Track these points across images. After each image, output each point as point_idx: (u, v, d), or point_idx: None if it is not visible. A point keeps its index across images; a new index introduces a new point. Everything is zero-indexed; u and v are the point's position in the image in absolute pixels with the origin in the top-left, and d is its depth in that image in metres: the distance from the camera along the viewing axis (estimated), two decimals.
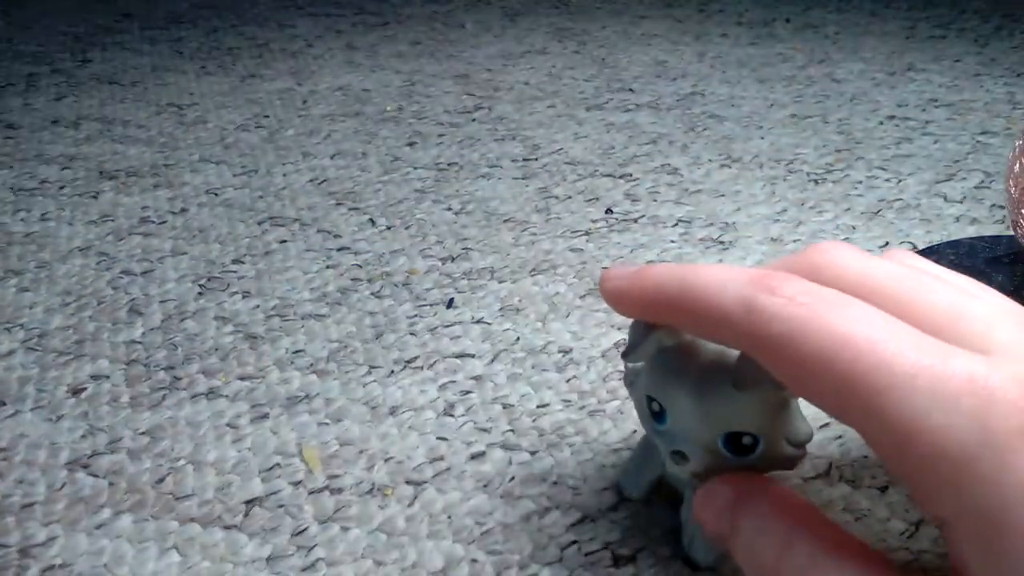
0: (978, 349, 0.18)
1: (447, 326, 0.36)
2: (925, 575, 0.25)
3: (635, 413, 0.31)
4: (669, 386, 0.23)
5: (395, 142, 0.53)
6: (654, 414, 0.24)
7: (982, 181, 0.48)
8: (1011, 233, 0.42)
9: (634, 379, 0.25)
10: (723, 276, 0.20)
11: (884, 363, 0.18)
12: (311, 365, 0.34)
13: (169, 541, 0.26)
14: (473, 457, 0.29)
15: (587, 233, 0.43)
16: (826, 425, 0.30)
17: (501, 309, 0.37)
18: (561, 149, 0.52)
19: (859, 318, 0.18)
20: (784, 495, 0.22)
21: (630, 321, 0.24)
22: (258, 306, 0.38)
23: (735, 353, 0.22)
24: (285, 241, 0.43)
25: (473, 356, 0.34)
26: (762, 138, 0.53)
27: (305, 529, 0.27)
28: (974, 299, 0.20)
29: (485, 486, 0.28)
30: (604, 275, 0.24)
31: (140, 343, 0.35)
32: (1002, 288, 0.33)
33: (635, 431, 0.30)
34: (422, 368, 0.34)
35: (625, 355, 0.24)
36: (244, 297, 0.38)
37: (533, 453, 0.30)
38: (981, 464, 0.16)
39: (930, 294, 0.20)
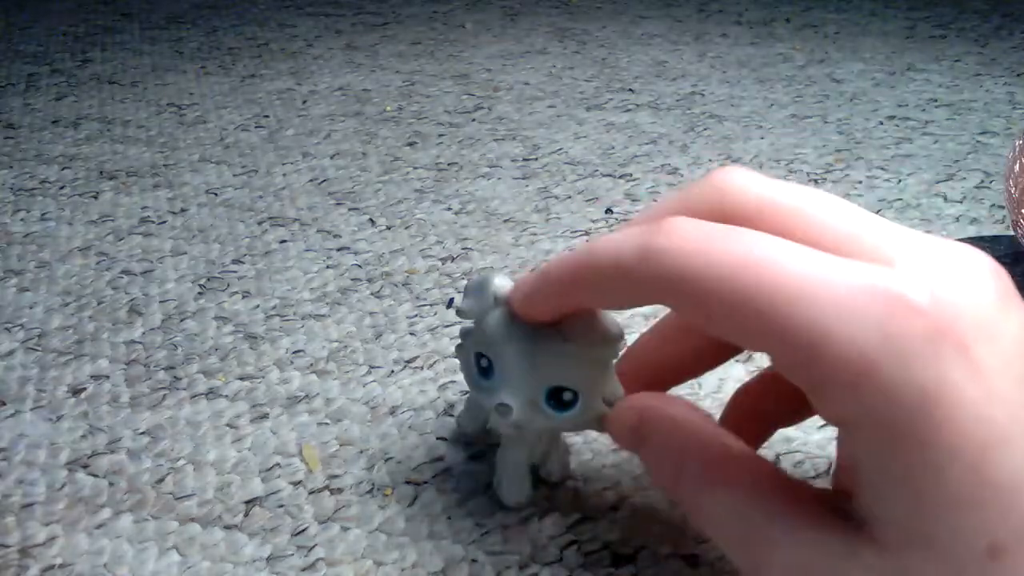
0: (879, 261, 0.18)
1: (447, 326, 0.36)
2: (812, 484, 0.25)
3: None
4: (500, 340, 0.24)
5: (395, 142, 0.53)
6: (482, 370, 0.25)
7: (982, 181, 0.48)
8: (1011, 233, 0.42)
9: (464, 339, 0.26)
10: (616, 238, 0.20)
11: (784, 279, 0.18)
12: (311, 365, 0.34)
13: (169, 541, 0.26)
14: (473, 457, 0.29)
15: (587, 233, 0.43)
16: (825, 426, 0.30)
17: None
18: (561, 149, 0.52)
19: (755, 242, 0.18)
20: (681, 413, 0.22)
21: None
22: (258, 306, 0.38)
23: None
24: (285, 241, 0.43)
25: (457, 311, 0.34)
26: (762, 138, 0.53)
27: (305, 529, 0.27)
28: (873, 218, 0.20)
29: (485, 486, 0.28)
30: (511, 295, 0.24)
31: (140, 343, 0.35)
32: None
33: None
34: (422, 368, 0.34)
35: (460, 312, 0.25)
36: (244, 297, 0.38)
37: None
38: (882, 370, 0.17)
39: (830, 212, 0.20)
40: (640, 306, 0.22)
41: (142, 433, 0.31)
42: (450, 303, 0.38)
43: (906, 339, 0.17)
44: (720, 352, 0.25)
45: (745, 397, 0.26)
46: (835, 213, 0.20)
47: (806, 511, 0.19)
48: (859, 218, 0.20)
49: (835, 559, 0.18)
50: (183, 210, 0.46)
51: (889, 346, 0.17)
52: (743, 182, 0.21)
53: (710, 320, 0.19)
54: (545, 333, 0.23)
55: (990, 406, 0.16)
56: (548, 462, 0.28)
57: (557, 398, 0.24)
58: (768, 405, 0.26)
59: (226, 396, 0.32)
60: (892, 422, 0.17)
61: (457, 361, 0.34)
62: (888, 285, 0.17)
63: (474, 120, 0.57)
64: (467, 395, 0.30)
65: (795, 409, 0.25)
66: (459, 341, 0.26)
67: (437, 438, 0.30)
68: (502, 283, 0.25)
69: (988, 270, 0.18)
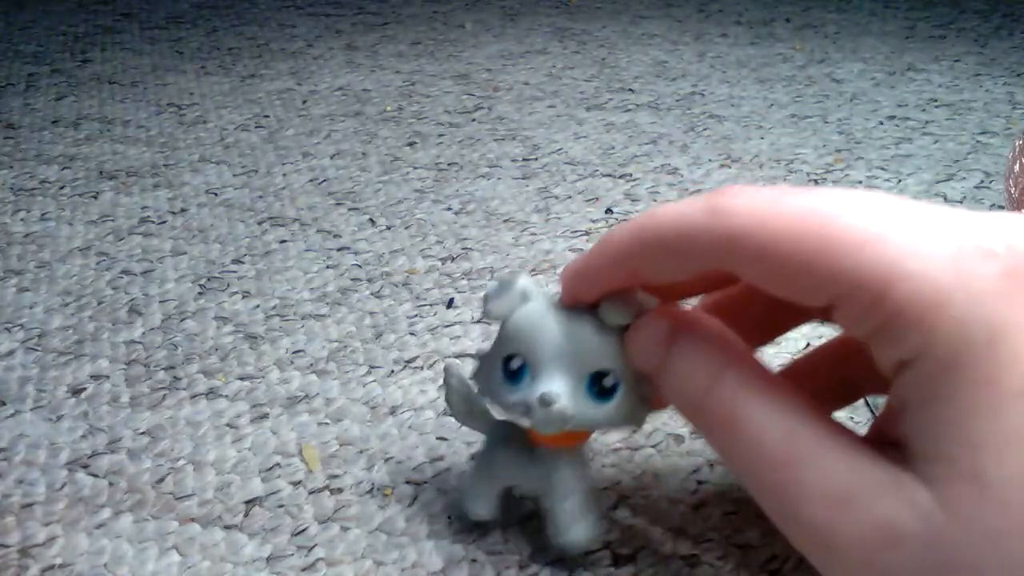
0: None
1: (447, 326, 0.36)
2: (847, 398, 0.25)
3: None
4: (536, 331, 0.23)
5: (395, 142, 0.53)
6: (511, 374, 0.23)
7: (982, 181, 0.48)
8: None
9: (448, 376, 0.25)
10: (677, 204, 0.20)
11: (857, 221, 0.18)
12: (311, 365, 0.34)
13: (169, 541, 0.26)
14: (473, 457, 0.29)
15: (587, 233, 0.43)
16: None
17: None
18: (561, 149, 0.52)
19: (821, 195, 0.19)
20: (717, 329, 0.22)
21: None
22: (258, 306, 0.38)
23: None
24: (285, 241, 0.43)
25: (473, 356, 0.34)
26: (762, 138, 0.53)
27: (305, 529, 0.27)
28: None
29: None
30: (561, 276, 0.23)
31: (140, 343, 0.35)
32: None
33: (633, 430, 0.30)
34: (422, 368, 0.34)
35: (489, 312, 0.24)
36: (244, 297, 0.38)
37: None
38: (954, 305, 0.17)
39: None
40: (700, 271, 0.21)
41: (142, 433, 0.31)
42: (450, 303, 0.38)
43: (979, 278, 0.17)
44: (775, 325, 0.25)
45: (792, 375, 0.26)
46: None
47: (851, 437, 0.19)
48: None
49: (878, 488, 0.18)
50: (183, 210, 0.46)
51: (962, 282, 0.17)
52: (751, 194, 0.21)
53: (776, 275, 0.19)
54: (583, 318, 0.23)
55: None
56: (569, 523, 0.24)
57: (599, 385, 0.23)
58: (818, 382, 0.25)
59: (226, 396, 0.32)
60: (957, 358, 0.17)
61: (458, 361, 0.34)
62: (960, 229, 0.17)
63: (474, 120, 0.57)
64: (469, 477, 0.27)
65: (843, 393, 0.25)
66: (466, 364, 0.25)
67: (437, 438, 0.30)
68: (528, 280, 0.24)
69: None
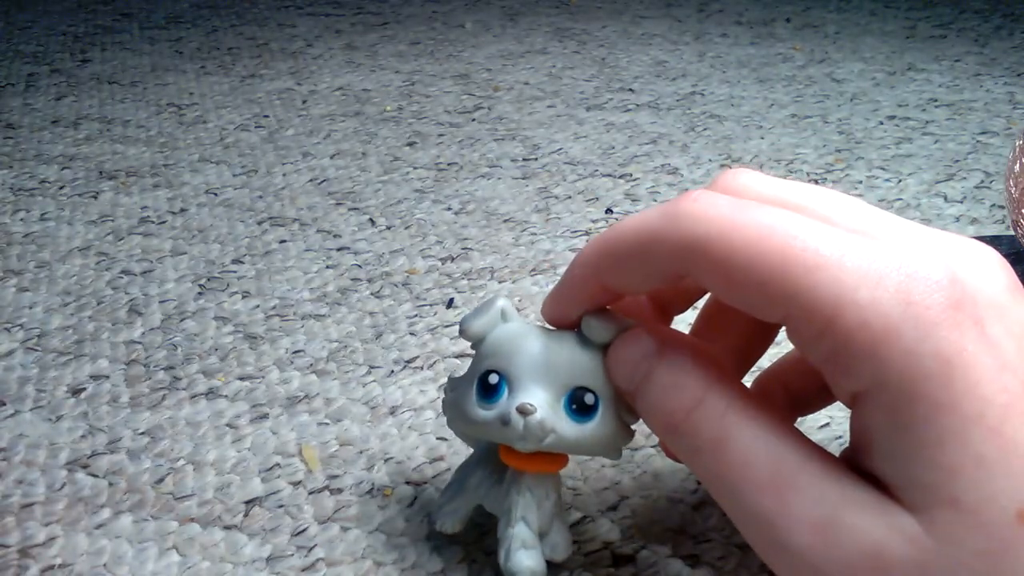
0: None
1: (447, 326, 0.36)
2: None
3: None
4: (515, 347, 0.23)
5: (395, 142, 0.53)
6: (487, 390, 0.23)
7: (982, 181, 0.48)
8: (1011, 233, 0.42)
9: (455, 384, 0.25)
10: (643, 213, 0.21)
11: (813, 245, 0.18)
12: (311, 365, 0.34)
13: (169, 541, 0.26)
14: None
15: (587, 233, 0.43)
16: (826, 425, 0.30)
17: None
18: (561, 149, 0.52)
19: (783, 215, 0.19)
20: (702, 350, 0.22)
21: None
22: (258, 306, 0.38)
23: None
24: (285, 241, 0.43)
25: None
26: (762, 138, 0.53)
27: (305, 529, 0.27)
28: (882, 214, 0.20)
29: None
30: (542, 307, 0.24)
31: (140, 343, 0.35)
32: None
33: (634, 431, 0.30)
34: (422, 368, 0.34)
35: (466, 332, 0.23)
36: (244, 297, 0.38)
37: None
38: (904, 336, 0.17)
39: (838, 210, 0.20)
40: (665, 280, 0.21)
41: (142, 433, 0.31)
42: (450, 303, 0.38)
43: (926, 308, 0.17)
44: (752, 351, 0.25)
45: (765, 381, 0.26)
46: (843, 210, 0.20)
47: (834, 462, 0.19)
48: (868, 214, 0.20)
49: (865, 514, 0.18)
50: (183, 210, 0.46)
51: (910, 313, 0.17)
52: (749, 183, 0.21)
53: (732, 286, 0.19)
54: (562, 335, 0.23)
55: (1007, 375, 0.17)
56: (550, 536, 0.24)
57: (579, 402, 0.22)
58: (786, 389, 0.25)
59: (226, 396, 0.32)
60: (912, 388, 0.17)
61: (457, 361, 0.34)
62: (908, 260, 0.18)
63: (474, 120, 0.57)
64: (443, 492, 0.26)
65: (808, 397, 0.25)
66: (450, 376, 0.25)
67: (437, 438, 0.30)
68: (507, 302, 0.24)
69: (997, 261, 0.19)
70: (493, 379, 0.23)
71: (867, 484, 0.18)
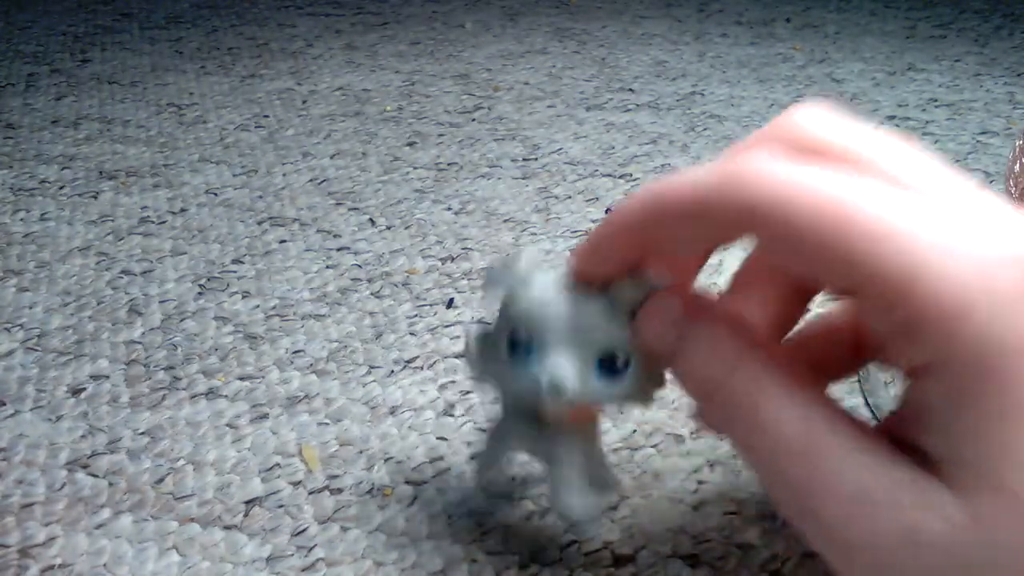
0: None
1: (447, 326, 0.36)
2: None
3: (629, 413, 0.31)
4: (543, 308, 0.22)
5: (395, 142, 0.53)
6: (517, 351, 0.23)
7: (982, 181, 0.48)
8: None
9: (483, 333, 0.24)
10: (693, 172, 0.19)
11: (884, 213, 0.17)
12: (311, 365, 0.34)
13: (169, 541, 0.26)
14: (473, 457, 0.29)
15: (587, 233, 0.43)
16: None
17: None
18: (561, 149, 0.52)
19: (848, 181, 0.18)
20: (735, 314, 0.21)
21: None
22: (258, 306, 0.38)
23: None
24: (285, 241, 0.43)
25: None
26: None
27: (305, 529, 0.27)
28: (957, 179, 0.19)
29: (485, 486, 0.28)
30: (572, 256, 0.23)
31: (140, 343, 0.35)
32: None
33: (635, 431, 0.30)
34: (422, 368, 0.34)
35: (490, 284, 0.23)
36: (244, 297, 0.38)
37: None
38: (979, 310, 0.16)
39: (918, 163, 0.19)
40: (717, 243, 0.20)
41: (142, 433, 0.31)
42: (450, 303, 0.38)
43: (1006, 284, 0.16)
44: (787, 317, 0.24)
45: (794, 349, 0.25)
46: (914, 169, 0.19)
47: (869, 434, 0.18)
48: (939, 176, 0.19)
49: (900, 490, 0.17)
50: (183, 210, 0.46)
51: (987, 288, 0.16)
52: (815, 129, 0.20)
53: (797, 251, 0.18)
54: (592, 297, 0.22)
55: None
56: (596, 475, 0.25)
57: (609, 365, 0.22)
58: (814, 356, 0.25)
59: (226, 396, 0.32)
60: (982, 365, 0.16)
61: (457, 361, 0.34)
62: (982, 232, 0.17)
63: (474, 120, 0.57)
64: (483, 441, 0.27)
65: (836, 365, 0.25)
66: (479, 330, 0.24)
67: (437, 438, 0.30)
68: (535, 252, 0.23)
69: None
70: (522, 336, 0.23)
71: (904, 458, 0.18)
